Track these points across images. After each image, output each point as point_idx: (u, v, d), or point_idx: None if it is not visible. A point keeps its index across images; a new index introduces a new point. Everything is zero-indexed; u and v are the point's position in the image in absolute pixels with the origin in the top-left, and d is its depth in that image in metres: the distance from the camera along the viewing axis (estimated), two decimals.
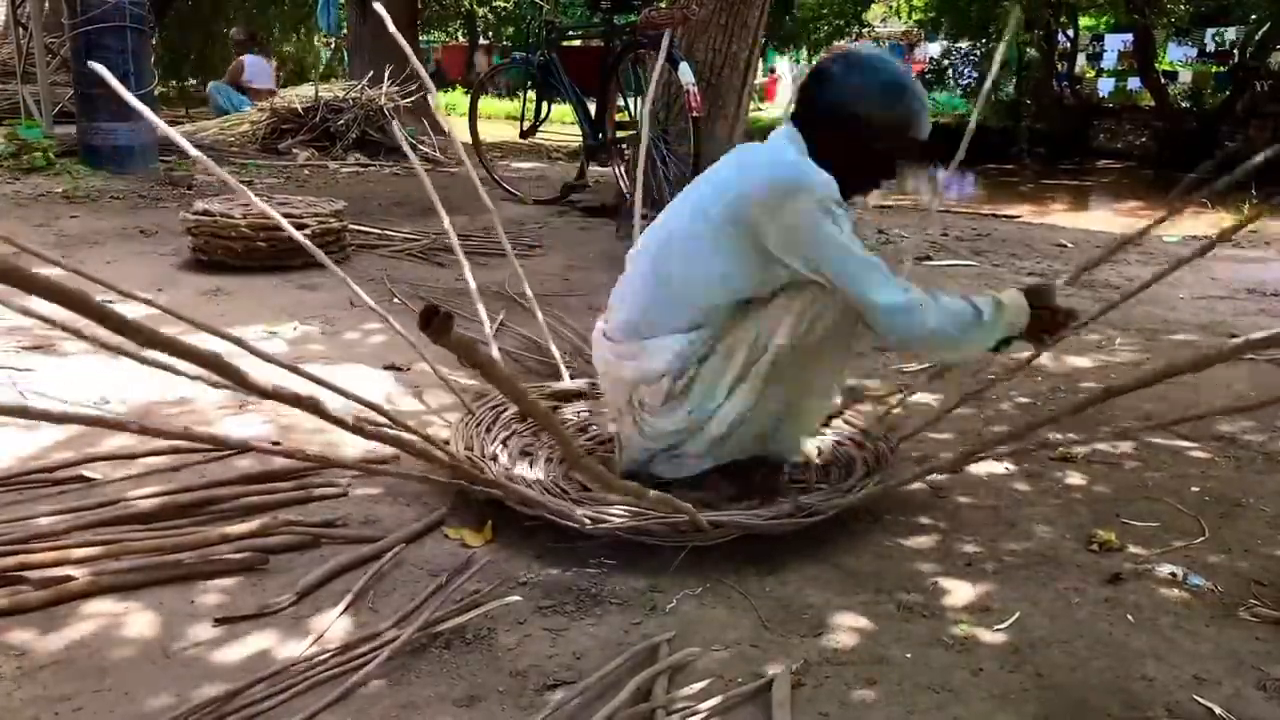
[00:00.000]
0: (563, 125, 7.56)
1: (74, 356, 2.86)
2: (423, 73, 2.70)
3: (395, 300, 3.58)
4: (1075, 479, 2.21)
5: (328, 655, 1.47)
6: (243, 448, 2.06)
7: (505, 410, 2.33)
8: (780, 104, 18.37)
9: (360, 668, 1.43)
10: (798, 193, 1.74)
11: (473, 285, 2.68)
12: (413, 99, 8.36)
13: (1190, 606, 1.68)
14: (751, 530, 1.78)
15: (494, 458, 2.08)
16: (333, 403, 2.47)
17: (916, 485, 2.13)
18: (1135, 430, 2.44)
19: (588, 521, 1.75)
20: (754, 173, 1.82)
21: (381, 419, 1.98)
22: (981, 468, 2.25)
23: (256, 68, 9.55)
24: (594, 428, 2.34)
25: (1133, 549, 1.88)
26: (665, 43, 3.50)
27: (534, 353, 2.94)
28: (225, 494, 1.94)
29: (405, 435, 1.95)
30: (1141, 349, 3.25)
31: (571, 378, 2.60)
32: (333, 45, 17.13)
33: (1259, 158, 1.79)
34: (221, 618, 1.57)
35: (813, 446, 2.15)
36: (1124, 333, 3.44)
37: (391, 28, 2.59)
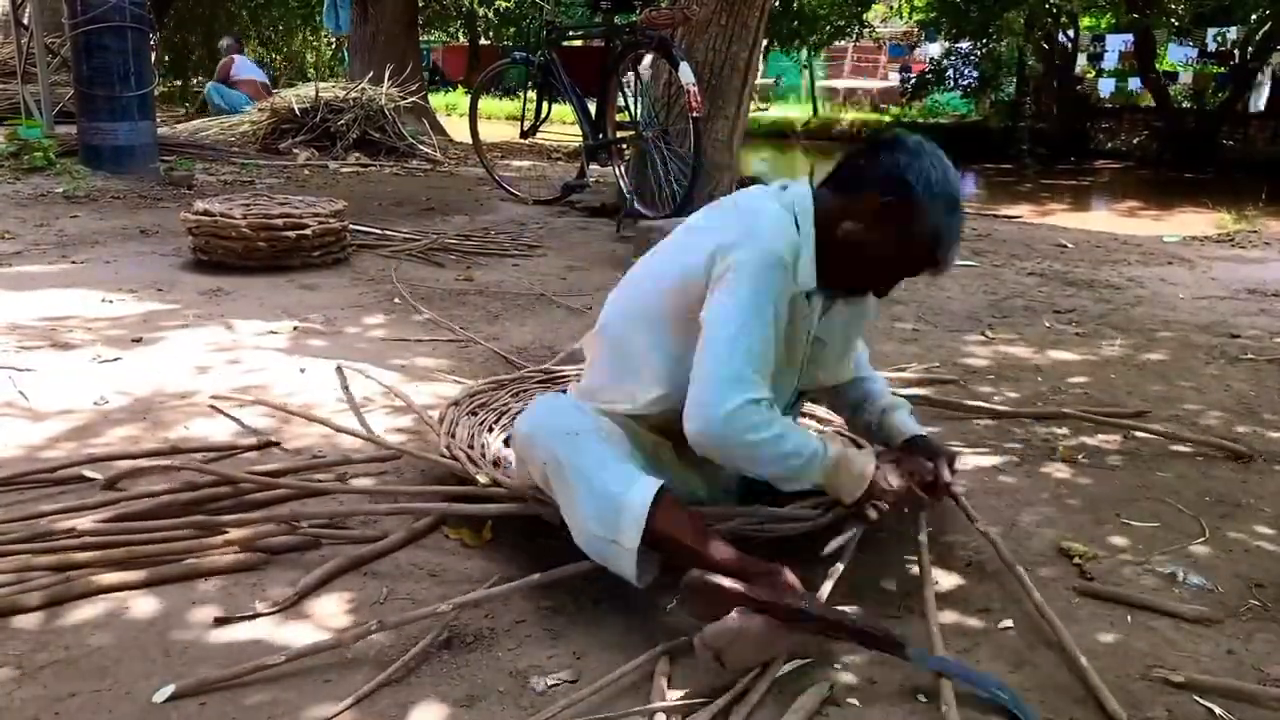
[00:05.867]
0: (563, 125, 7.56)
1: (73, 355, 2.86)
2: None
3: (397, 301, 3.58)
4: (1075, 479, 2.21)
5: (327, 655, 1.47)
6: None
7: (508, 411, 2.34)
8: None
9: (359, 667, 1.43)
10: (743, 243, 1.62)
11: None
12: (411, 99, 8.39)
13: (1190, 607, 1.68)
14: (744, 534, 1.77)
15: (496, 462, 2.07)
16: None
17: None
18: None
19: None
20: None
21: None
22: (980, 465, 2.25)
23: (244, 65, 9.96)
24: None
25: (1133, 549, 1.88)
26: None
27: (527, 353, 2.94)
28: (225, 493, 1.94)
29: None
30: (1137, 347, 3.25)
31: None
32: (334, 44, 17.14)
33: None
34: (222, 617, 1.57)
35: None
36: (1124, 333, 3.44)
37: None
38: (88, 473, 2.05)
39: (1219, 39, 12.55)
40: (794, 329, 1.71)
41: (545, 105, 6.16)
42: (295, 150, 7.66)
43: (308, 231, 4.00)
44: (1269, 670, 1.50)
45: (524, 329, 3.26)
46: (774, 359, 1.63)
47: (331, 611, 1.60)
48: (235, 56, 9.90)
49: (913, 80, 16.28)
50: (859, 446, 2.01)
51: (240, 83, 9.56)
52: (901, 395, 2.60)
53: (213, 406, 2.47)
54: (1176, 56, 13.14)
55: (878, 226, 1.63)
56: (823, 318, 1.77)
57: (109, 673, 1.43)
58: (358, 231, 4.50)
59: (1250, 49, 12.64)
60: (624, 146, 5.47)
